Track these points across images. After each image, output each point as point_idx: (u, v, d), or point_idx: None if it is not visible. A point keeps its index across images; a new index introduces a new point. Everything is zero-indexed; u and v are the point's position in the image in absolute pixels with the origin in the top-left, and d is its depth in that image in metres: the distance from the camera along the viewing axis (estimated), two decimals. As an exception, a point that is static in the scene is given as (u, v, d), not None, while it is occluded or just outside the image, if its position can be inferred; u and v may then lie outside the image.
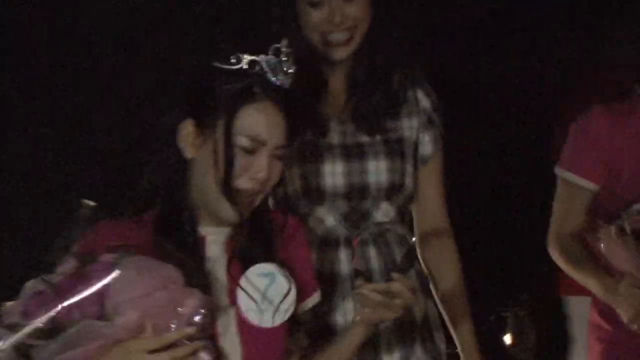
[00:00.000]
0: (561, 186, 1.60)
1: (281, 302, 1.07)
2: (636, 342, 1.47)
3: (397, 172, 1.42)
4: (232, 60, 1.12)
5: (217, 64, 1.13)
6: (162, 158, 1.16)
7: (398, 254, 1.26)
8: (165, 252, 1.06)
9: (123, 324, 0.97)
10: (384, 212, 1.43)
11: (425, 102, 1.48)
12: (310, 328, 1.17)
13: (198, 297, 1.00)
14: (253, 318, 1.07)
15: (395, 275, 1.12)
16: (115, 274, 0.98)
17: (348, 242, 1.37)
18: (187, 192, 1.13)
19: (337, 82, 1.45)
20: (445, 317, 1.48)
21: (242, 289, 1.07)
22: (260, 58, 1.13)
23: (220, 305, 1.08)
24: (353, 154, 1.41)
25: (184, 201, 1.13)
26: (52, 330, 0.97)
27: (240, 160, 1.10)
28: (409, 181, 1.44)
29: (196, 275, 1.05)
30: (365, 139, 1.43)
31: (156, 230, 1.10)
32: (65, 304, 0.98)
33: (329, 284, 1.32)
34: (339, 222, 1.38)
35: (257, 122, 1.12)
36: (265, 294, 1.06)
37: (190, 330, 0.98)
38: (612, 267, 1.45)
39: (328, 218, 1.38)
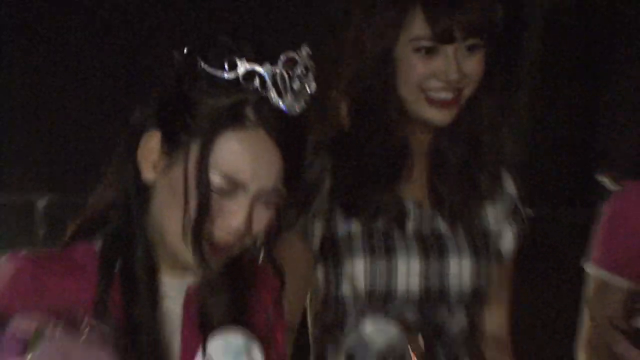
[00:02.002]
0: (595, 285, 1.51)
1: None
2: None
3: (484, 275, 1.30)
4: (225, 66, 0.87)
5: (204, 66, 0.88)
6: (117, 173, 0.97)
7: None
8: (103, 303, 0.88)
9: None
10: (457, 323, 1.31)
11: (510, 187, 1.37)
12: None
13: None
14: None
15: None
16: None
17: None
18: (144, 224, 0.93)
19: (421, 153, 1.30)
20: None
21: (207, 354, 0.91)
22: (264, 69, 0.87)
23: None
24: (432, 247, 1.28)
25: (140, 232, 0.93)
26: None
27: (216, 201, 0.90)
28: (487, 284, 1.32)
29: (147, 331, 0.89)
30: (445, 229, 1.30)
31: (101, 269, 0.90)
32: None
33: None
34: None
35: (238, 156, 0.90)
36: None
37: None
38: None
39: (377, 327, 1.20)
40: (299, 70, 0.89)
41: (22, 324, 0.81)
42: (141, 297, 0.92)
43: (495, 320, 1.39)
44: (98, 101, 4.10)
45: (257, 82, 0.87)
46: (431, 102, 1.25)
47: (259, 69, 0.86)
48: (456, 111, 1.27)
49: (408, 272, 1.28)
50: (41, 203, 4.58)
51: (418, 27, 1.24)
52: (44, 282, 0.91)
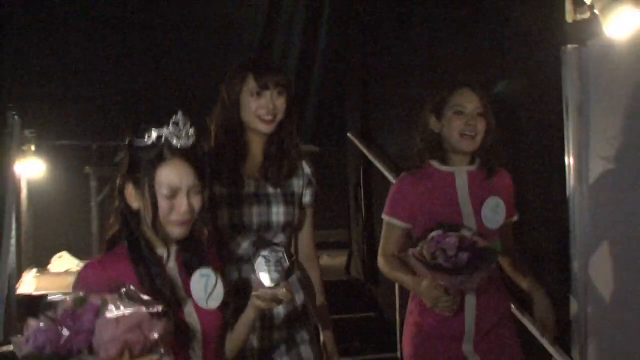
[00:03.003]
0: (385, 225, 2.29)
1: (213, 292, 1.57)
2: (435, 319, 2.13)
3: (290, 215, 2.08)
4: (146, 137, 1.55)
5: (137, 143, 1.56)
6: (118, 209, 1.61)
7: (284, 267, 1.68)
8: (140, 274, 1.52)
9: (105, 357, 1.29)
10: (279, 240, 2.04)
11: (307, 169, 2.15)
12: (234, 309, 1.68)
13: (161, 326, 1.35)
14: (202, 304, 1.55)
15: (282, 283, 1.63)
16: (100, 320, 1.31)
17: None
18: (142, 229, 1.58)
19: (257, 150, 2.10)
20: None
21: (192, 286, 1.55)
22: (164, 131, 1.55)
23: (181, 298, 1.56)
24: (263, 201, 2.06)
25: (140, 235, 1.58)
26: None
27: (167, 204, 1.54)
28: (296, 220, 2.11)
29: (161, 281, 1.52)
30: (271, 191, 2.07)
31: (130, 258, 1.55)
32: (63, 339, 1.28)
33: (242, 284, 1.91)
34: (251, 246, 1.98)
35: (171, 175, 1.54)
36: (206, 288, 1.55)
37: (156, 356, 1.35)
38: (418, 273, 2.08)
39: (244, 243, 2.00)
40: (182, 125, 1.55)
41: (95, 299, 1.33)
42: (151, 263, 1.54)
43: (304, 241, 2.19)
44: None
45: (164, 139, 1.54)
46: (261, 121, 2.03)
47: (162, 132, 1.53)
48: (274, 126, 2.04)
49: (249, 214, 2.02)
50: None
51: (251, 82, 2.03)
52: (106, 274, 1.49)
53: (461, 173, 2.20)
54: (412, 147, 2.31)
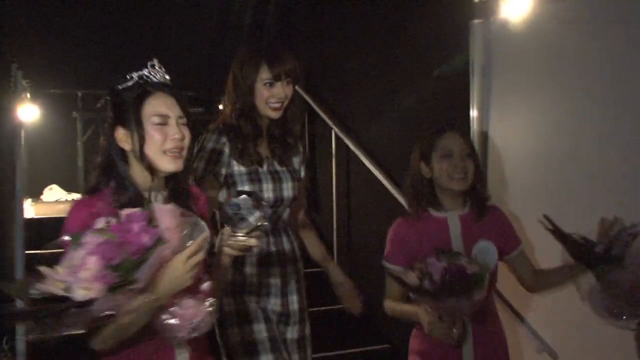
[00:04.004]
0: (388, 271, 2.13)
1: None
2: (435, 344, 2.02)
3: (295, 189, 2.18)
4: (127, 79, 1.57)
5: (118, 86, 1.57)
6: (106, 150, 1.58)
7: (254, 215, 1.64)
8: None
9: (169, 246, 1.32)
10: (286, 212, 2.19)
11: (301, 148, 2.26)
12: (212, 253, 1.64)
13: (202, 223, 1.42)
14: None
15: (253, 232, 1.60)
16: (155, 210, 1.34)
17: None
18: (128, 171, 1.56)
19: (266, 131, 2.17)
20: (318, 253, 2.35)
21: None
22: (144, 71, 1.57)
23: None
24: (275, 178, 2.13)
25: (128, 177, 1.55)
26: (140, 261, 1.29)
27: (160, 132, 1.52)
28: (297, 193, 2.21)
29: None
30: (279, 168, 2.16)
31: (113, 200, 1.50)
32: (134, 247, 1.28)
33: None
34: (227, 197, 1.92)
35: (158, 105, 1.54)
36: (192, 236, 1.41)
37: (206, 234, 1.41)
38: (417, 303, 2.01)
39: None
40: (158, 67, 1.56)
41: (99, 222, 1.32)
42: (136, 205, 1.39)
43: (300, 210, 2.29)
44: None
45: (144, 77, 1.55)
46: (271, 108, 2.08)
47: (142, 72, 1.55)
48: (282, 111, 2.11)
49: (267, 189, 2.08)
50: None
51: (265, 73, 2.06)
52: (90, 211, 1.40)
53: (453, 218, 2.11)
54: (403, 192, 2.26)
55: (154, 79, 1.55)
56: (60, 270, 1.24)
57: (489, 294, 2.03)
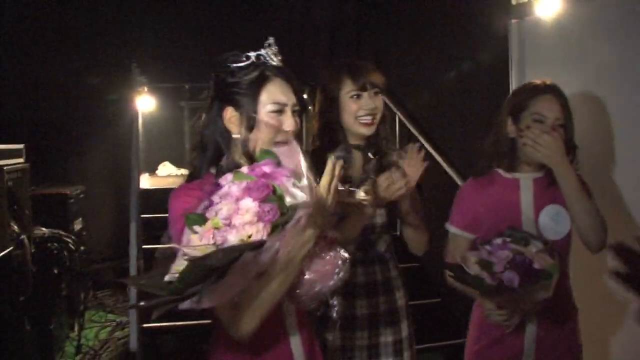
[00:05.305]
0: (450, 235, 2.05)
1: None
2: (493, 325, 1.87)
3: (388, 214, 2.01)
4: (244, 58, 1.40)
5: (233, 65, 1.40)
6: (213, 138, 1.44)
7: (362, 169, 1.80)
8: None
9: (308, 185, 1.21)
10: (381, 240, 2.02)
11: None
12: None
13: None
14: None
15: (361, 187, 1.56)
16: (289, 149, 1.25)
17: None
18: (233, 156, 1.39)
19: (357, 155, 1.97)
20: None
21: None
22: (262, 52, 1.40)
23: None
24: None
25: (232, 162, 1.38)
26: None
27: (275, 120, 1.38)
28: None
29: None
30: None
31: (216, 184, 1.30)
32: (278, 182, 1.19)
33: None
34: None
35: (276, 92, 1.40)
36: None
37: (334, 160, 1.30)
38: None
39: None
40: (273, 47, 1.41)
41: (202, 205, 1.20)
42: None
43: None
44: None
45: (262, 58, 1.39)
46: (361, 124, 1.87)
47: (260, 52, 1.40)
48: (374, 128, 1.89)
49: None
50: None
51: (349, 84, 1.87)
52: (194, 194, 1.30)
53: (527, 180, 1.95)
54: (479, 150, 2.06)
55: (272, 62, 1.42)
56: (197, 240, 1.14)
57: (562, 275, 1.82)
